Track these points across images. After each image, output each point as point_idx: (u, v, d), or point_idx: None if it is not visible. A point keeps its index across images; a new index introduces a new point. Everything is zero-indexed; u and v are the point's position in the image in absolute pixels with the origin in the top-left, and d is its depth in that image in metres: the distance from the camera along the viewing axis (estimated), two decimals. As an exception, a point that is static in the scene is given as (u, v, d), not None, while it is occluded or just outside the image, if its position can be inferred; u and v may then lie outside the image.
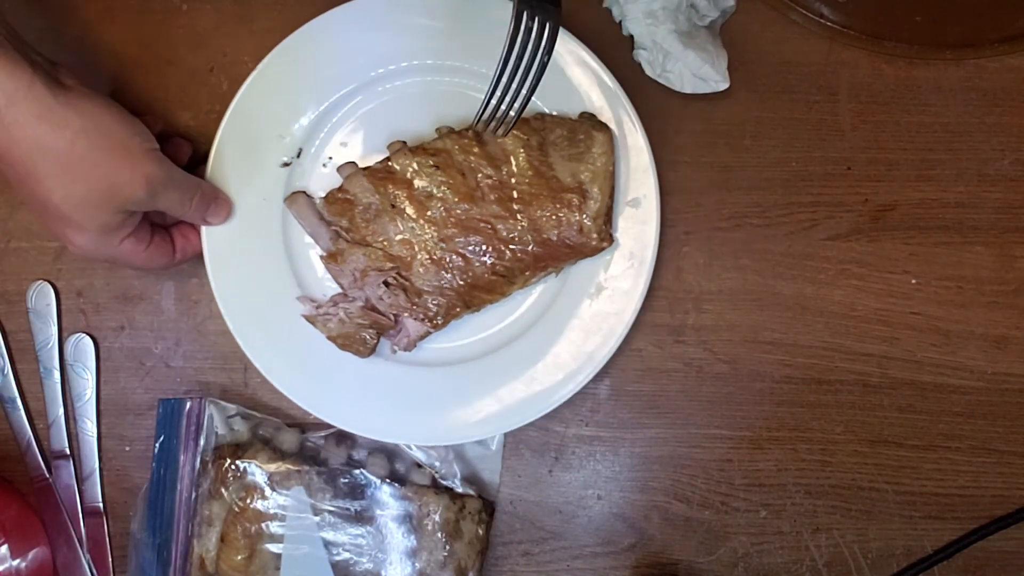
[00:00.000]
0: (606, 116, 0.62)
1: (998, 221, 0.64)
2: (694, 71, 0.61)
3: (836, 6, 0.64)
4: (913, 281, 0.64)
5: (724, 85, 0.61)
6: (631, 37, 0.63)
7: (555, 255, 0.61)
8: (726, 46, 0.63)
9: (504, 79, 0.51)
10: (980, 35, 0.64)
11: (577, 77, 0.62)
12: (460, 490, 0.62)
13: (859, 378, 0.64)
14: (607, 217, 0.61)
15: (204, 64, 0.65)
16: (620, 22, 0.63)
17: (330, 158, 0.63)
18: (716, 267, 0.64)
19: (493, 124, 0.54)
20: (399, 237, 0.61)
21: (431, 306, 0.61)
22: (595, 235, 0.60)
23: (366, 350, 0.60)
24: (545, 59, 0.51)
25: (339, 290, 0.62)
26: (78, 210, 0.51)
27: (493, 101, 0.52)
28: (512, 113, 0.53)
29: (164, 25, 0.65)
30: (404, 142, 0.62)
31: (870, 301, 0.64)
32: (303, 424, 0.63)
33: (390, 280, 0.61)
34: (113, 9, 0.65)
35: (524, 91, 0.52)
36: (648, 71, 0.62)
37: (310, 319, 0.61)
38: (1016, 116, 0.65)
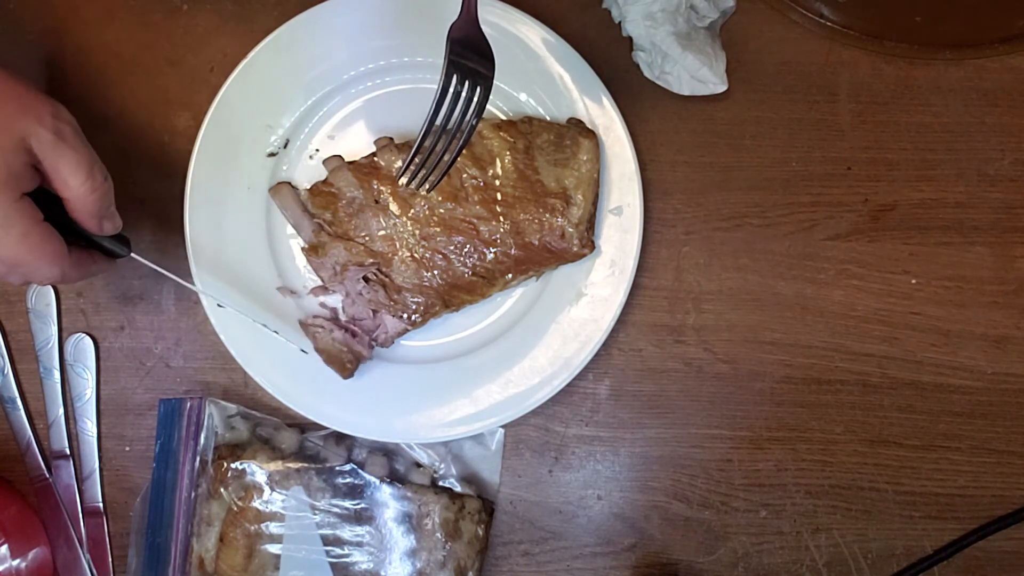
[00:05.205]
0: (594, 123, 0.62)
1: (998, 221, 0.64)
2: (692, 73, 0.61)
3: (836, 6, 0.64)
4: (913, 281, 0.64)
5: (722, 87, 0.61)
6: (630, 38, 0.63)
7: (536, 259, 0.61)
8: (726, 46, 0.63)
9: (428, 142, 0.50)
10: (980, 35, 0.64)
11: (567, 83, 0.62)
12: (459, 490, 0.62)
13: (859, 378, 0.64)
14: (589, 224, 0.61)
15: (204, 64, 0.65)
16: (619, 23, 0.63)
17: (317, 150, 0.63)
18: (716, 267, 0.64)
19: (416, 181, 0.53)
20: (381, 233, 0.61)
21: (410, 303, 0.61)
22: (577, 241, 0.60)
23: (346, 373, 0.60)
24: (473, 123, 0.50)
25: (319, 282, 0.62)
26: None
27: (416, 161, 0.51)
28: (434, 176, 0.52)
29: (164, 25, 0.65)
30: (391, 138, 0.62)
31: (870, 301, 0.64)
32: (303, 424, 0.63)
33: (370, 275, 0.61)
34: (113, 9, 0.65)
35: (448, 155, 0.51)
36: (647, 73, 0.62)
37: (304, 325, 0.61)
38: (1016, 116, 0.65)
